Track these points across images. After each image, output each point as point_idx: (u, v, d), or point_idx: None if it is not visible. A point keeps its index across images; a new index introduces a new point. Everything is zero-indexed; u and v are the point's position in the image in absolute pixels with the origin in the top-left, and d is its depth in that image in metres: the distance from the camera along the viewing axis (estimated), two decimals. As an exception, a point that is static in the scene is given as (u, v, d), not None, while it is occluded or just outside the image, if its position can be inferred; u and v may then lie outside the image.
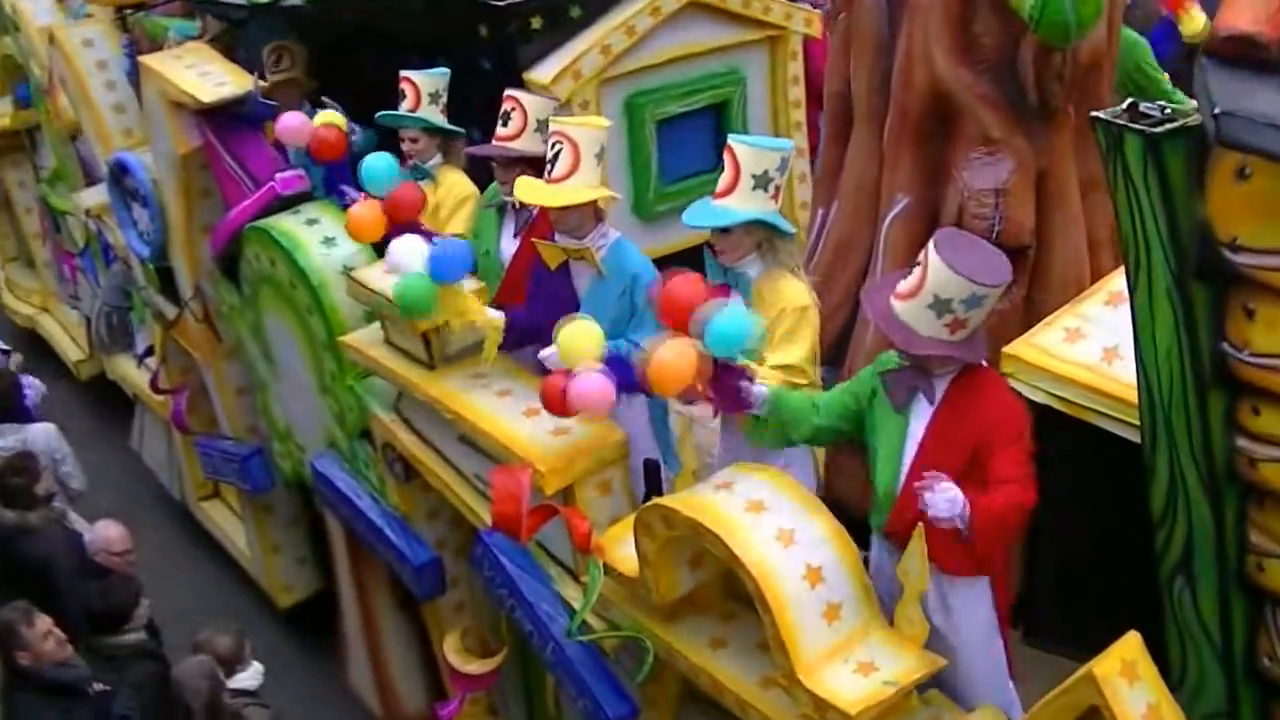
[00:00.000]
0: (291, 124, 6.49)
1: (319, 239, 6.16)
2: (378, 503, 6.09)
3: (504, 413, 5.10)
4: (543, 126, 5.85)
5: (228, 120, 6.57)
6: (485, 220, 6.01)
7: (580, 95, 6.75)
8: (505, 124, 5.75)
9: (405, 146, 6.40)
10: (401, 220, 5.70)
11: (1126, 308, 4.83)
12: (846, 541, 4.11)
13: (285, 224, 6.25)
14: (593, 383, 4.47)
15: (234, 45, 7.47)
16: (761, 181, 4.64)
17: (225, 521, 8.79)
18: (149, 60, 6.85)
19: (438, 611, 6.17)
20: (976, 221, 5.31)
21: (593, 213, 5.19)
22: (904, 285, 4.14)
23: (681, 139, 7.12)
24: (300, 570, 8.12)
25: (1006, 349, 4.63)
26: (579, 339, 4.54)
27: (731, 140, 4.71)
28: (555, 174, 5.09)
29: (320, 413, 6.37)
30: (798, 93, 7.57)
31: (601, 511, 4.93)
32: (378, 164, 5.79)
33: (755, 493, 4.14)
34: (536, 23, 6.76)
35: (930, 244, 4.11)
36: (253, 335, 6.77)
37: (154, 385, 8.58)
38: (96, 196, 8.76)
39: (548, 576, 5.08)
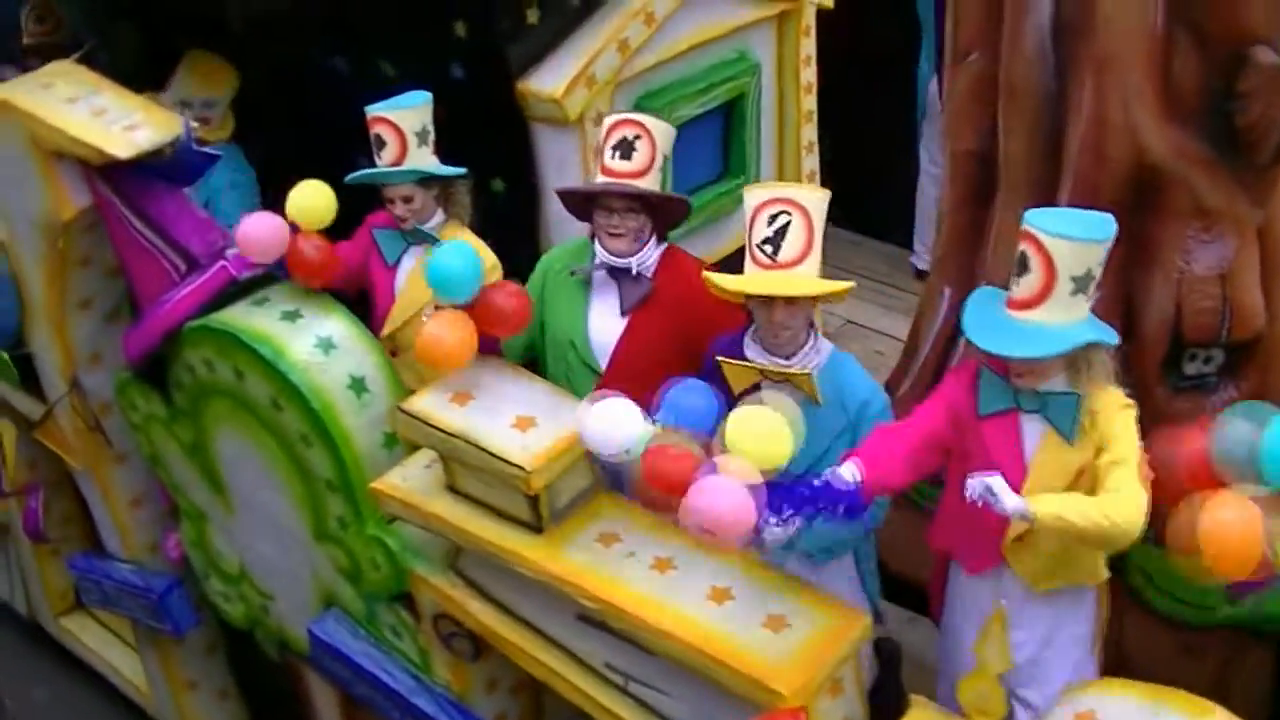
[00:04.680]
0: (258, 233, 4.60)
1: (310, 342, 4.43)
2: (421, 682, 4.57)
3: (678, 597, 3.66)
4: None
5: (134, 171, 4.75)
6: (564, 294, 4.47)
7: (594, 107, 5.26)
8: (627, 156, 4.23)
9: (398, 210, 4.69)
10: (504, 334, 4.17)
11: None
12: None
13: (253, 321, 4.50)
14: (735, 496, 3.23)
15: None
16: (1083, 284, 3.34)
17: (99, 642, 7.04)
18: (6, 95, 4.92)
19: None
20: (1201, 317, 4.22)
21: (808, 316, 3.79)
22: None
23: (690, 145, 5.66)
24: (223, 706, 6.49)
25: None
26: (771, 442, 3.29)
27: (1034, 225, 3.34)
28: (785, 256, 3.66)
29: (313, 562, 4.75)
30: (810, 76, 6.23)
31: (833, 719, 3.61)
32: (459, 266, 4.03)
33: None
34: (533, 15, 5.19)
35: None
36: (189, 456, 5.04)
37: (-3, 489, 6.70)
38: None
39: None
